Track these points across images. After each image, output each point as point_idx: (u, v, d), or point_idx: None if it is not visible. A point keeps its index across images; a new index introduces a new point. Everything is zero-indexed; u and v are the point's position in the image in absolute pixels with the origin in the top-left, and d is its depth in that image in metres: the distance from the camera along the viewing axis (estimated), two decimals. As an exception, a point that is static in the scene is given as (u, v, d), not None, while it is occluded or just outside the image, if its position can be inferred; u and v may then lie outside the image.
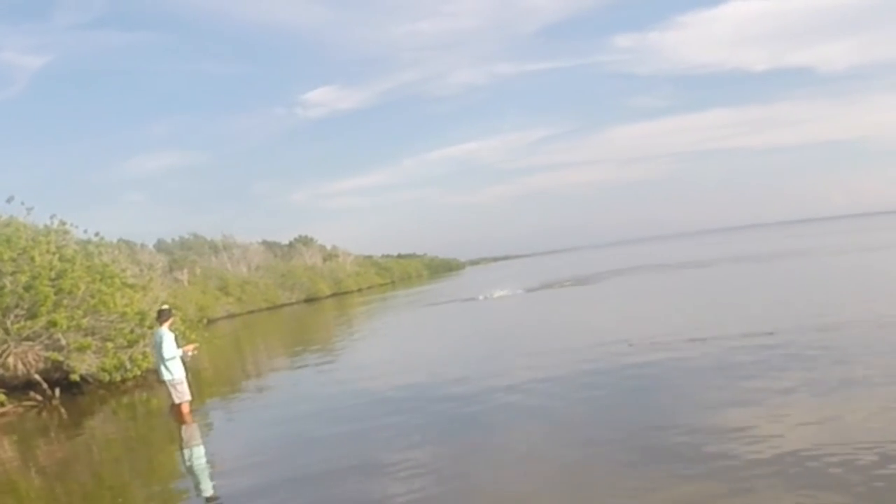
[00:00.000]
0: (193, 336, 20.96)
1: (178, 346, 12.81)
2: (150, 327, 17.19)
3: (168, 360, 12.43)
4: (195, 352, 13.67)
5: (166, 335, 12.58)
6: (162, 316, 12.91)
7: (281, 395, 15.29)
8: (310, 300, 74.98)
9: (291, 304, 71.93)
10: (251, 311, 63.16)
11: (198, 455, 10.52)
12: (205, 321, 32.37)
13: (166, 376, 12.49)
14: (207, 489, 8.53)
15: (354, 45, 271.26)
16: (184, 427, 12.19)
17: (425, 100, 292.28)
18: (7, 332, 17.31)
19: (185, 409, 12.63)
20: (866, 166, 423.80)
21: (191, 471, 9.71)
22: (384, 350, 21.84)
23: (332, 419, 11.49)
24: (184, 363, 12.79)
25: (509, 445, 8.57)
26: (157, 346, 12.58)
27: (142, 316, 18.92)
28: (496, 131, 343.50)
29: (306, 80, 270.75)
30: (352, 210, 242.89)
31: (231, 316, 58.45)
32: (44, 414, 16.46)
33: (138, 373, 18.06)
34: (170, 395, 12.65)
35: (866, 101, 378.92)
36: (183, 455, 10.78)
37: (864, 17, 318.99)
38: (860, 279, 23.52)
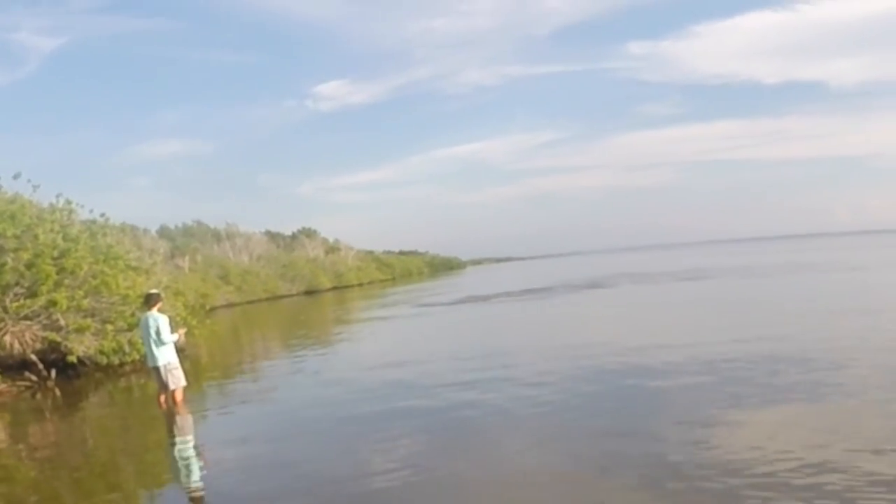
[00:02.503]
0: (194, 322, 20.82)
1: (172, 330, 12.58)
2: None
3: (166, 343, 12.20)
4: (183, 337, 13.49)
5: (161, 318, 12.31)
6: (151, 300, 12.61)
7: (276, 387, 14.92)
8: (310, 292, 74.89)
9: (291, 295, 71.81)
10: (251, 301, 63.00)
11: (188, 445, 10.22)
12: (206, 307, 32.26)
13: (161, 360, 12.20)
14: (195, 482, 8.25)
15: (368, 39, 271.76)
16: (177, 415, 11.90)
17: (436, 98, 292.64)
18: (5, 310, 17.12)
19: (180, 395, 12.38)
20: (873, 183, 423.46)
21: (179, 461, 9.43)
22: (377, 345, 21.61)
23: (327, 415, 11.20)
24: (176, 348, 12.59)
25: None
26: (153, 330, 12.17)
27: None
28: (504, 132, 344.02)
29: (318, 73, 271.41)
30: (357, 205, 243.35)
31: (230, 305, 58.28)
32: (38, 395, 16.23)
33: (137, 357, 17.81)
34: (160, 380, 12.34)
35: (876, 118, 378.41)
36: (173, 444, 10.48)
37: (876, 34, 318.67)
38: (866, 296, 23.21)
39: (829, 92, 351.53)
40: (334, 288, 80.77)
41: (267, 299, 66.39)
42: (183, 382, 12.45)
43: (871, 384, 9.82)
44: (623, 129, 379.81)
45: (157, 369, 12.33)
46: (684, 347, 14.26)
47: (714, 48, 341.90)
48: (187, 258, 59.87)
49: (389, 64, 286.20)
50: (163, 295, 13.85)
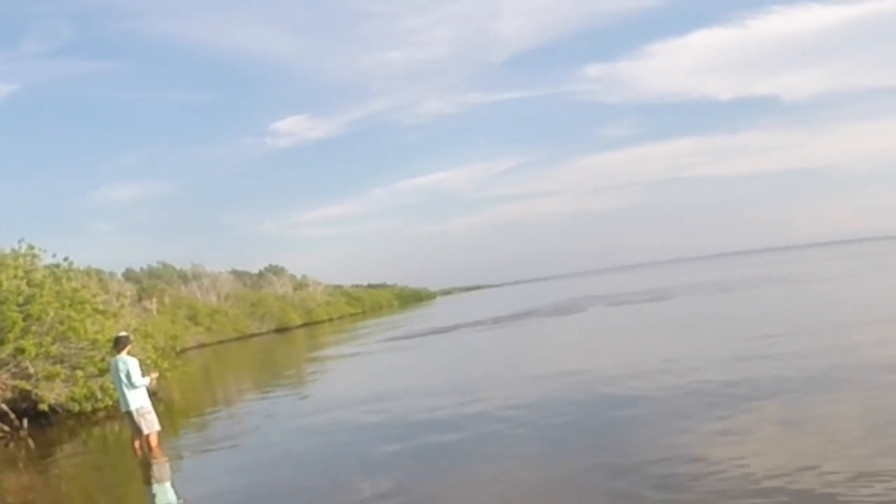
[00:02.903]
0: (165, 364, 20.53)
1: (143, 373, 12.36)
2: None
3: (138, 387, 11.96)
4: (156, 381, 13.26)
5: (131, 361, 12.06)
6: (120, 343, 12.40)
7: (251, 430, 14.46)
8: (280, 330, 74.27)
9: (262, 333, 71.17)
10: (221, 341, 62.34)
11: (169, 493, 9.94)
12: (176, 349, 31.87)
13: (133, 405, 11.92)
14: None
15: (325, 74, 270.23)
16: (153, 462, 11.58)
17: (395, 129, 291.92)
18: (-27, 359, 16.76)
19: (154, 440, 12.07)
20: (831, 194, 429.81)
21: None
22: (348, 383, 21.40)
23: (302, 457, 11.01)
24: (149, 392, 12.38)
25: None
26: (123, 374, 11.91)
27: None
28: (465, 161, 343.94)
29: (276, 110, 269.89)
30: (323, 240, 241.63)
31: (201, 346, 57.63)
32: (11, 445, 15.89)
33: (110, 403, 17.51)
34: (133, 425, 12.08)
35: (829, 130, 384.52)
36: (152, 492, 10.21)
37: (824, 47, 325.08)
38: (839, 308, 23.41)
39: (782, 106, 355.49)
40: (305, 324, 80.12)
41: (237, 338, 65.75)
42: (157, 427, 12.16)
43: (849, 404, 9.79)
44: (585, 152, 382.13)
45: (129, 414, 12.06)
46: (657, 373, 13.96)
47: (668, 67, 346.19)
48: (155, 300, 59.18)
49: (347, 98, 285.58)
50: (132, 338, 13.61)
